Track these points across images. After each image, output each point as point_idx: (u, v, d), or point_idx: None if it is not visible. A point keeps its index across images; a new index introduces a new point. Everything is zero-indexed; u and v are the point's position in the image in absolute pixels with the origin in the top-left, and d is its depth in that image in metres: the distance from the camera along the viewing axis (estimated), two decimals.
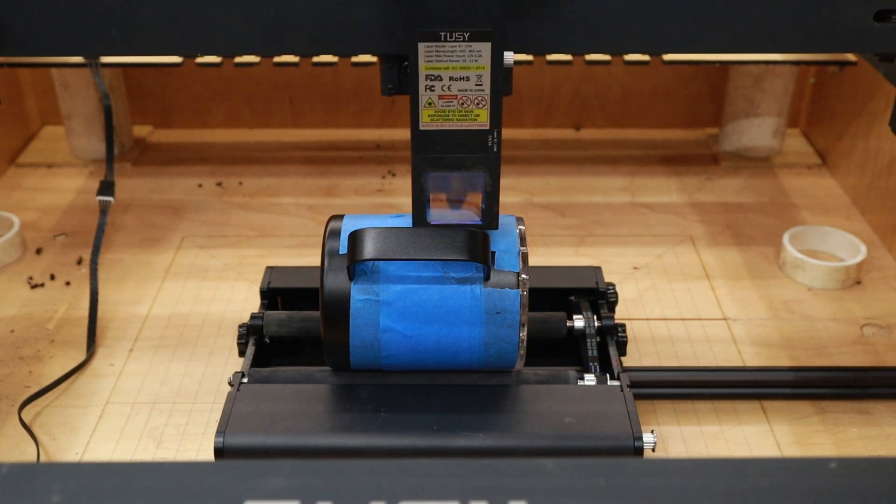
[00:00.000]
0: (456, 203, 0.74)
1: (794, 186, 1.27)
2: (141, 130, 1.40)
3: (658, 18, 0.70)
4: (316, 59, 1.25)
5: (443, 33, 0.66)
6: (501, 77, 0.68)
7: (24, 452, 0.82)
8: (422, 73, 0.68)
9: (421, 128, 0.70)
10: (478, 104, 0.69)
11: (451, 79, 0.68)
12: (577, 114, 1.42)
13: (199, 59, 1.23)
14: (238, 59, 1.24)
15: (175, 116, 1.42)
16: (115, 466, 0.41)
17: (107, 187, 1.08)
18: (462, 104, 0.69)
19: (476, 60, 0.67)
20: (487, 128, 0.70)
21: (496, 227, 0.75)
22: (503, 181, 1.27)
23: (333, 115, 1.41)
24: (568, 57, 1.22)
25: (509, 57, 0.69)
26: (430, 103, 0.69)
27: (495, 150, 0.71)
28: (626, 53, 1.18)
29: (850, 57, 1.21)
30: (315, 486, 0.39)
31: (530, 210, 1.21)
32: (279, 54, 0.72)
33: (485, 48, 0.67)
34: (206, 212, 1.20)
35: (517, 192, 1.26)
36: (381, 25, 0.68)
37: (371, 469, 0.40)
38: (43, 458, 0.81)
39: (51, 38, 0.69)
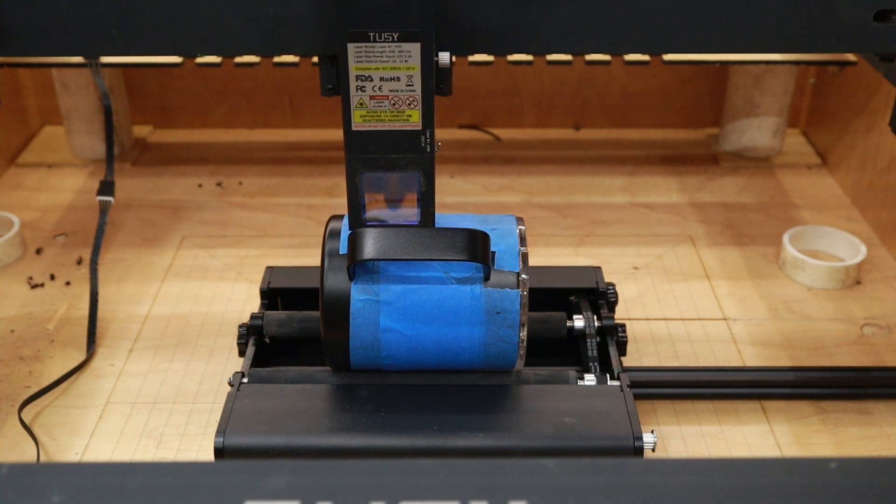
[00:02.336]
0: (392, 203, 0.74)
1: (794, 186, 1.27)
2: (141, 130, 1.40)
3: (658, 18, 0.70)
4: (315, 58, 1.25)
5: (372, 34, 0.66)
6: (433, 77, 0.68)
7: (24, 452, 0.82)
8: (352, 73, 0.68)
9: (353, 128, 0.70)
10: (409, 104, 0.69)
11: (381, 79, 0.68)
12: (577, 114, 1.42)
13: (199, 59, 1.23)
14: (238, 59, 1.24)
15: (175, 116, 1.42)
16: (115, 466, 0.41)
17: (107, 187, 1.08)
18: (393, 104, 0.69)
19: (406, 61, 0.67)
20: (420, 128, 0.70)
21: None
22: (503, 181, 1.29)
23: (333, 115, 1.41)
24: (568, 57, 1.22)
25: (445, 57, 0.69)
26: (361, 104, 0.69)
27: (428, 150, 0.71)
28: (626, 53, 1.18)
29: (850, 57, 1.21)
30: (315, 486, 0.39)
31: (530, 210, 1.21)
32: (275, 54, 0.72)
33: (414, 48, 0.67)
34: (206, 212, 1.20)
35: (517, 192, 1.26)
36: (314, 25, 0.68)
37: (371, 469, 0.40)
38: (43, 458, 0.81)
39: (51, 38, 0.69)
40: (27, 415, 0.85)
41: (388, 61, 0.67)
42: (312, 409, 0.74)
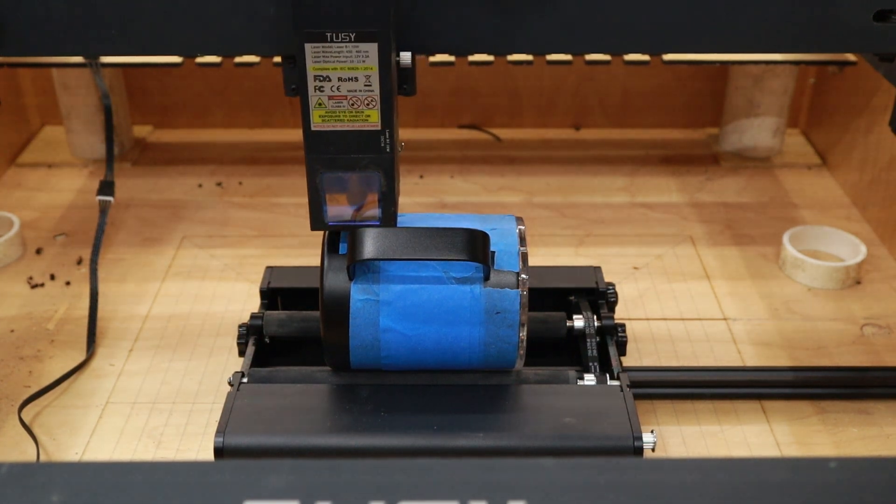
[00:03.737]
0: (354, 203, 0.74)
1: (794, 186, 1.27)
2: (141, 130, 1.40)
3: (658, 18, 0.70)
4: None
5: (329, 34, 0.66)
6: (391, 78, 0.68)
7: (24, 452, 0.82)
8: (310, 73, 0.68)
9: (312, 128, 0.70)
10: (368, 105, 0.69)
11: (339, 79, 0.68)
12: (577, 114, 1.42)
13: (199, 59, 1.23)
14: (238, 59, 1.24)
15: (175, 116, 1.42)
16: (115, 466, 0.41)
17: (107, 187, 1.08)
18: (352, 105, 0.69)
19: (363, 61, 0.67)
20: (379, 128, 0.70)
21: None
22: (503, 181, 1.29)
23: None
24: (568, 57, 1.22)
25: (406, 57, 0.69)
26: (320, 104, 0.69)
27: (388, 150, 0.71)
28: (626, 53, 1.18)
29: (850, 57, 1.21)
30: (315, 486, 0.39)
31: (530, 210, 1.21)
32: (271, 55, 0.72)
33: (371, 49, 0.67)
34: (206, 212, 1.20)
35: (517, 192, 1.26)
36: (274, 26, 0.68)
37: (371, 469, 0.40)
38: (43, 458, 0.81)
39: (51, 38, 0.69)
40: (27, 415, 0.85)
41: (345, 61, 0.67)
42: (312, 409, 0.74)
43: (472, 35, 0.70)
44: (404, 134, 1.41)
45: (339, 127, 0.70)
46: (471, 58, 1.26)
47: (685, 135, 1.41)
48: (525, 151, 1.37)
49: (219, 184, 1.27)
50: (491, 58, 1.26)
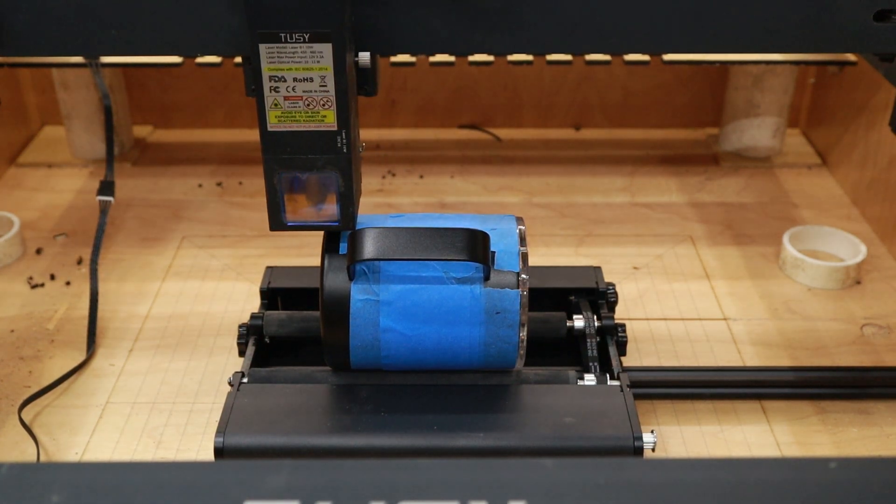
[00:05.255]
0: (313, 204, 0.74)
1: (794, 186, 1.27)
2: (141, 130, 1.40)
3: (658, 18, 0.70)
4: None
5: (283, 34, 0.66)
6: (346, 78, 0.68)
7: (24, 452, 0.82)
8: (265, 74, 0.68)
9: (269, 129, 0.70)
10: (324, 105, 0.69)
11: (294, 80, 0.68)
12: (577, 114, 1.42)
13: (199, 59, 1.23)
14: (238, 59, 1.24)
15: (175, 116, 1.42)
16: (115, 466, 0.41)
17: (107, 187, 1.08)
18: (308, 105, 0.69)
19: (318, 61, 0.67)
20: (335, 129, 0.70)
21: (353, 228, 0.74)
22: (503, 181, 1.29)
23: None
24: (568, 57, 1.22)
25: (365, 57, 0.69)
26: (276, 104, 0.69)
27: (345, 150, 0.71)
28: (626, 53, 1.18)
29: (850, 57, 1.21)
30: (315, 486, 0.39)
31: (530, 210, 1.21)
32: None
33: (326, 49, 0.66)
34: (206, 212, 1.20)
35: (517, 192, 1.26)
36: (228, 26, 0.68)
37: (371, 469, 0.40)
38: (43, 458, 0.81)
39: (51, 38, 0.69)
40: (27, 415, 0.85)
41: (300, 62, 0.67)
42: (312, 409, 0.75)
43: (431, 35, 0.70)
44: (405, 134, 1.41)
45: (295, 127, 0.70)
46: (471, 58, 1.26)
47: (685, 135, 1.41)
48: (525, 151, 1.37)
49: (219, 184, 1.27)
50: (491, 58, 1.26)
